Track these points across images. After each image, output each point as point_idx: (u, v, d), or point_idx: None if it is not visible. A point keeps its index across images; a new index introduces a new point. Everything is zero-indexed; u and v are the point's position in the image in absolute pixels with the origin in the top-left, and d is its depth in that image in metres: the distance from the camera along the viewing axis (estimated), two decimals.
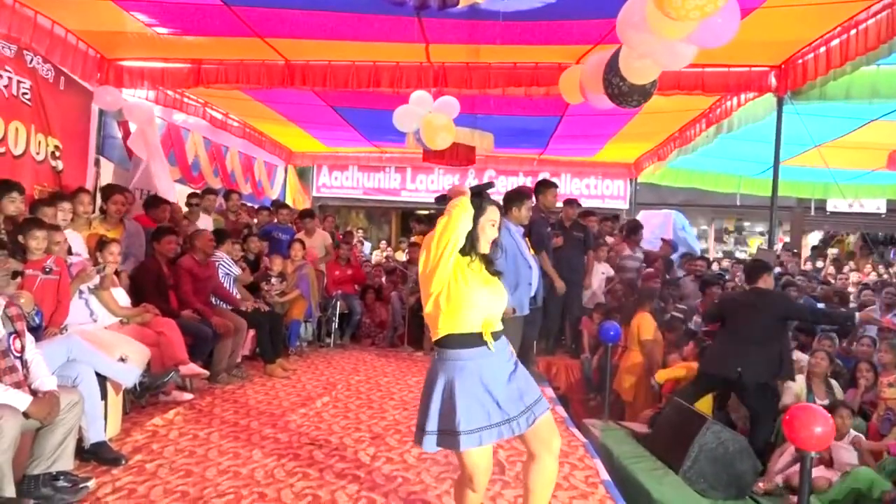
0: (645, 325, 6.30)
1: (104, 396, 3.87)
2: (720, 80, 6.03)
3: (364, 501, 3.34)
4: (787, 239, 16.29)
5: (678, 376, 5.75)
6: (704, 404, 5.57)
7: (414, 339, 7.76)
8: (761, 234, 16.55)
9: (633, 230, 8.18)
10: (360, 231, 14.61)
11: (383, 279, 9.44)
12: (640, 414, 5.98)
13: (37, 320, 3.91)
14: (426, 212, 12.61)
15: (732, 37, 3.40)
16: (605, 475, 3.91)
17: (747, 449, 4.50)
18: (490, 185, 2.83)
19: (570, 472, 3.90)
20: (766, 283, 5.09)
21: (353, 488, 3.49)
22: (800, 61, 5.61)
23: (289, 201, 11.18)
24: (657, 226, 10.32)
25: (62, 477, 3.21)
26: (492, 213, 2.67)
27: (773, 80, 5.97)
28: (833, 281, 9.66)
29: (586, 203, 11.05)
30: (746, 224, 17.76)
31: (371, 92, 6.45)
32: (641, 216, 10.60)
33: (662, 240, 8.96)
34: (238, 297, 6.14)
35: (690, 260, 8.56)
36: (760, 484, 4.49)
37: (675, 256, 8.97)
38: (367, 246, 14.25)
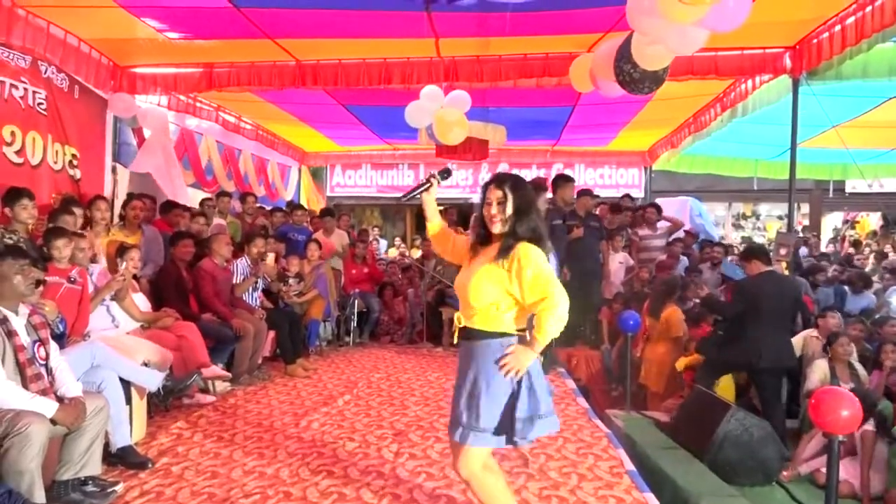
0: (675, 320, 6.23)
1: (128, 401, 3.90)
2: (734, 63, 5.95)
3: (389, 498, 3.35)
4: (806, 222, 16.10)
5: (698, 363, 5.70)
6: (727, 390, 5.53)
7: (433, 335, 7.76)
8: (780, 217, 16.36)
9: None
10: (376, 229, 14.62)
11: (399, 276, 9.45)
12: (663, 403, 5.95)
13: (61, 328, 3.95)
14: (440, 207, 12.60)
15: (745, 19, 3.36)
16: (629, 465, 3.89)
17: (772, 434, 4.47)
18: (447, 171, 2.95)
19: (595, 464, 3.88)
20: (756, 268, 5.06)
21: (378, 484, 3.50)
22: (815, 41, 5.52)
23: (303, 202, 11.21)
24: (674, 213, 10.23)
25: (91, 482, 3.25)
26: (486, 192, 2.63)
27: (787, 62, 5.89)
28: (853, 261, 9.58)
29: (601, 193, 11.02)
30: (764, 208, 17.56)
31: (382, 89, 6.44)
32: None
33: (686, 232, 8.89)
34: (256, 304, 6.15)
35: (708, 246, 8.48)
36: (784, 473, 4.46)
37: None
38: (383, 244, 14.26)
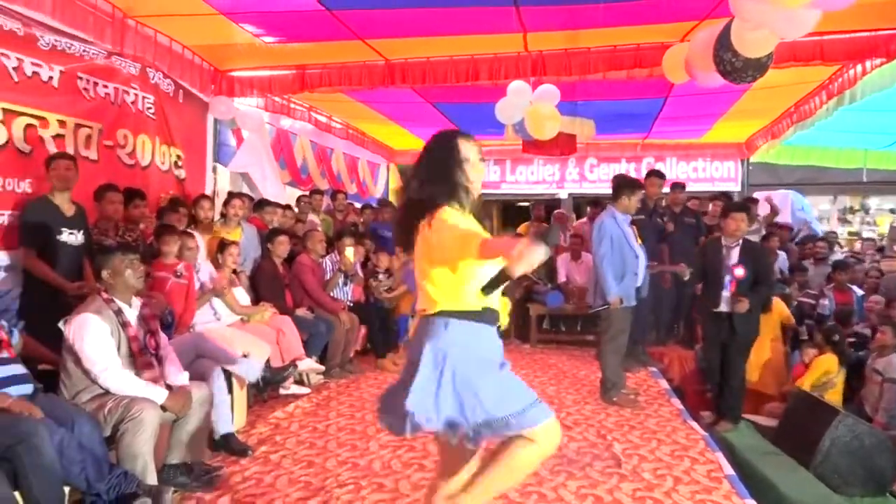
0: (784, 314, 5.93)
1: (230, 391, 4.09)
2: (842, 47, 5.57)
3: None
4: None
5: (821, 373, 5.39)
6: (834, 394, 5.24)
7: (521, 331, 7.72)
8: (892, 211, 15.29)
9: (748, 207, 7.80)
10: None
11: None
12: (764, 406, 5.68)
13: (169, 319, 4.19)
14: (526, 203, 12.51)
15: None
16: (728, 469, 3.76)
17: (886, 442, 4.19)
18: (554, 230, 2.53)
19: (691, 467, 3.77)
20: None
21: None
22: None
23: (392, 199, 11.39)
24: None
25: (197, 466, 3.43)
26: (464, 148, 2.28)
27: None
28: None
29: (695, 187, 10.66)
30: (874, 201, 16.45)
31: (470, 86, 6.44)
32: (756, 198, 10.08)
33: (781, 226, 8.47)
34: (347, 299, 6.30)
35: (811, 242, 8.06)
36: None
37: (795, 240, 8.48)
38: None
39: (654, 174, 6.86)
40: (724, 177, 11.63)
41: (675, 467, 3.76)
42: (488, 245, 1.92)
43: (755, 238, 7.52)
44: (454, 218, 2.12)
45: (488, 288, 2.09)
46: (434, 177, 2.25)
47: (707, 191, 10.15)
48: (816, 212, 13.20)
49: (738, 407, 5.18)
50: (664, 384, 5.73)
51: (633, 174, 10.59)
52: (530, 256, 1.77)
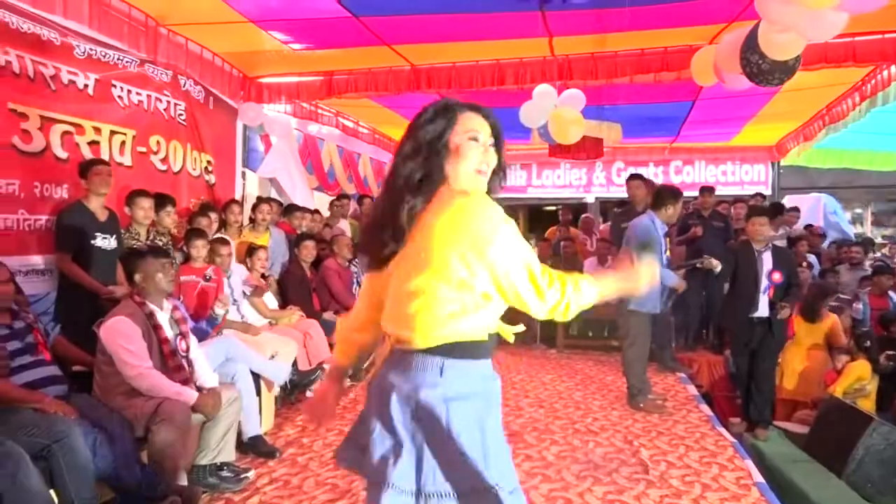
0: (837, 329, 5.80)
1: (258, 393, 4.14)
2: (875, 48, 5.47)
3: None
4: None
5: (853, 380, 5.28)
6: (868, 402, 5.14)
7: (547, 336, 7.69)
8: None
9: (775, 212, 7.70)
10: None
11: None
12: (795, 413, 5.59)
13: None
14: (553, 207, 12.47)
15: None
16: (758, 477, 3.70)
17: None
18: None
19: (720, 473, 3.72)
20: None
21: None
22: None
23: None
24: (806, 211, 9.61)
25: (225, 467, 3.48)
26: (469, 121, 1.72)
27: None
28: None
29: (725, 191, 10.54)
30: None
31: (495, 90, 6.46)
32: (787, 202, 9.94)
33: (808, 226, 8.34)
34: None
35: (845, 246, 7.91)
36: None
37: (825, 244, 8.33)
38: None
39: (637, 178, 6.87)
40: (754, 180, 11.48)
41: (704, 474, 3.72)
42: (594, 285, 1.72)
43: (780, 243, 7.44)
44: (509, 230, 1.61)
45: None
46: (429, 156, 1.67)
47: (737, 194, 10.02)
48: (850, 215, 12.95)
49: (769, 413, 5.13)
50: (692, 390, 5.67)
51: (660, 178, 10.53)
52: (651, 274, 1.72)
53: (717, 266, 5.17)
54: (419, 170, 1.64)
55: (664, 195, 5.09)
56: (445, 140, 1.66)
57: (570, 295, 1.67)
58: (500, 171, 1.78)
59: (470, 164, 1.67)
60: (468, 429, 1.61)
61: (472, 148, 1.68)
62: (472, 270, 1.60)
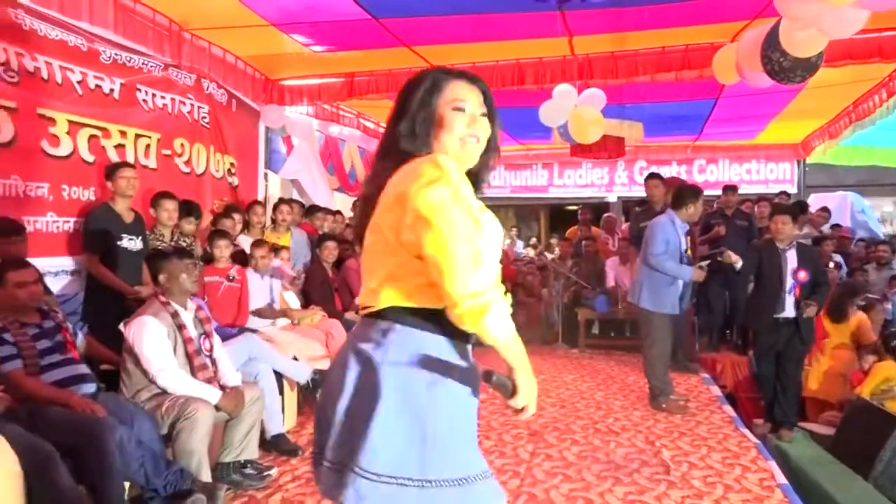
0: (866, 328, 5.71)
1: (281, 392, 4.19)
2: None
3: (525, 497, 3.36)
4: None
5: (880, 380, 5.18)
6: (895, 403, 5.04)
7: (569, 336, 7.67)
8: None
9: (799, 210, 7.60)
10: (514, 230, 14.63)
11: (535, 274, 9.40)
12: (821, 415, 5.51)
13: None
14: (574, 207, 12.43)
15: None
16: (781, 478, 3.66)
17: None
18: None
19: (742, 475, 3.69)
20: None
21: (514, 483, 3.52)
22: None
23: None
24: (833, 210, 9.46)
25: (249, 465, 3.52)
26: (456, 90, 1.59)
27: None
28: None
29: (749, 189, 10.43)
30: None
31: (515, 90, 6.46)
32: (813, 200, 9.80)
33: (834, 227, 8.22)
34: None
35: (872, 245, 7.78)
36: None
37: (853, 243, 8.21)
38: (519, 244, 14.24)
39: (655, 177, 6.83)
40: (779, 178, 11.35)
41: (726, 475, 3.69)
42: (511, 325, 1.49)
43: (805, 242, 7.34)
44: (456, 198, 1.43)
45: None
46: (413, 127, 1.57)
47: (762, 193, 9.90)
48: (878, 214, 12.72)
49: (794, 414, 5.07)
50: (716, 391, 5.62)
51: (683, 177, 10.44)
52: (530, 396, 1.55)
53: (737, 261, 5.06)
54: (406, 138, 1.56)
55: (684, 194, 5.05)
56: (431, 109, 1.56)
57: (496, 296, 1.44)
58: (494, 144, 1.65)
59: (454, 133, 1.56)
60: (398, 402, 1.46)
61: (456, 117, 1.57)
62: (399, 228, 1.47)
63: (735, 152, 11.21)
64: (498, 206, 15.55)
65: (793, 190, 10.93)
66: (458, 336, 1.53)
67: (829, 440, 4.82)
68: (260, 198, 6.77)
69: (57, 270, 4.25)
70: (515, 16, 5.13)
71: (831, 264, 6.97)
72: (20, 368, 2.96)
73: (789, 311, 4.84)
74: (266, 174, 7.21)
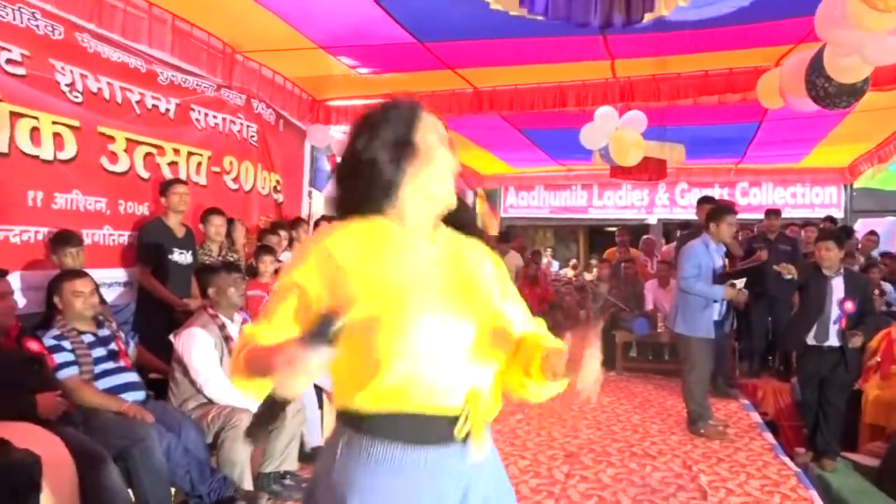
0: None
1: (320, 406, 4.27)
2: None
3: None
4: None
5: None
6: None
7: (607, 358, 7.59)
8: None
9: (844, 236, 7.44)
10: (549, 250, 14.61)
11: (573, 295, 9.37)
12: (866, 445, 5.36)
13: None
14: (614, 228, 12.38)
15: None
16: None
17: None
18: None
19: (781, 503, 3.63)
20: None
21: None
22: None
23: (478, 224, 11.49)
24: (881, 236, 9.23)
25: (289, 476, 3.61)
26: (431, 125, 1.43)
27: None
28: None
29: (794, 213, 10.25)
30: None
31: (557, 112, 6.51)
32: (860, 225, 9.58)
33: (885, 254, 8.01)
34: None
35: None
36: None
37: None
38: (556, 265, 14.20)
39: (705, 200, 6.72)
40: (825, 203, 11.12)
41: (765, 503, 3.64)
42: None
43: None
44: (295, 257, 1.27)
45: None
46: (352, 174, 1.39)
47: (807, 217, 9.72)
48: None
49: (837, 443, 4.95)
50: (756, 417, 5.53)
51: (725, 199, 10.31)
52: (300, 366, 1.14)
53: (792, 272, 4.87)
54: None
55: (710, 214, 5.03)
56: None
57: (242, 350, 1.30)
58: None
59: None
60: None
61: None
62: None
63: (779, 175, 11.04)
64: (537, 227, 15.62)
65: (839, 215, 10.70)
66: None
67: (874, 471, 4.70)
68: (304, 215, 6.93)
69: (111, 281, 4.43)
70: (558, 40, 5.20)
71: (877, 291, 6.79)
72: (76, 375, 3.10)
73: (833, 340, 4.72)
74: (310, 192, 7.38)
